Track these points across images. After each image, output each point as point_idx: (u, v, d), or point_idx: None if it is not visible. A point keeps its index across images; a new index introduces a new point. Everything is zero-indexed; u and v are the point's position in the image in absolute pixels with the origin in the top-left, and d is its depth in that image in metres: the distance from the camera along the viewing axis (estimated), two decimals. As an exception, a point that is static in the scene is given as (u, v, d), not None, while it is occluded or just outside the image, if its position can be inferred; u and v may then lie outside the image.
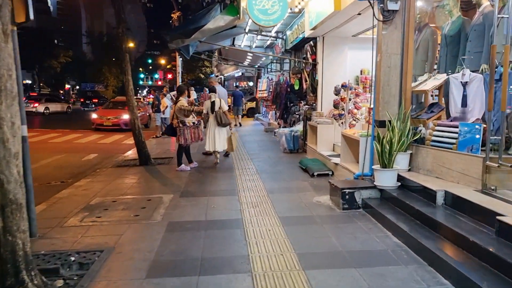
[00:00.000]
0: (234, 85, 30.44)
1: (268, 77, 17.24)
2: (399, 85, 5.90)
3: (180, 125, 8.35)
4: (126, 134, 16.16)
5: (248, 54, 18.39)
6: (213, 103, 8.84)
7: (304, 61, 10.18)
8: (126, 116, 16.03)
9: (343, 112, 7.20)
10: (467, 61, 5.44)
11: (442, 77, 5.61)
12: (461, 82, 5.38)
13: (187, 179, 7.82)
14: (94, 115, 19.32)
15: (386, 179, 5.41)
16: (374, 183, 5.55)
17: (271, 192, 6.68)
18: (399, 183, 5.43)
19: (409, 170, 5.68)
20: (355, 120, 7.19)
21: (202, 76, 62.27)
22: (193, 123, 8.52)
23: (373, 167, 5.61)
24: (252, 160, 9.80)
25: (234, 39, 16.40)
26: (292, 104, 12.98)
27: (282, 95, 13.73)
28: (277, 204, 5.95)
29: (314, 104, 10.26)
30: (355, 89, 7.31)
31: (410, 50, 5.83)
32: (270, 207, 5.78)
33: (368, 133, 6.24)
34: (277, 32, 14.14)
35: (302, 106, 11.10)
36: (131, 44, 44.64)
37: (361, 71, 9.88)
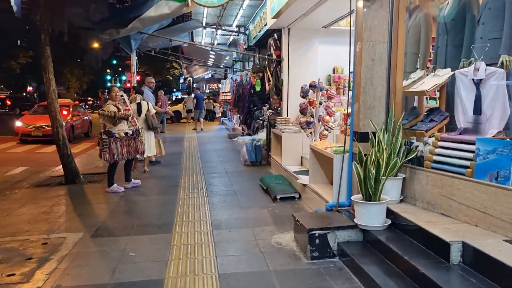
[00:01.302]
0: (196, 88, 28.80)
1: (232, 78, 15.57)
2: (386, 84, 4.35)
3: (104, 136, 6.54)
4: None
5: (210, 52, 16.69)
6: (139, 105, 8.09)
7: (266, 57, 8.58)
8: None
9: (312, 119, 5.64)
10: (479, 50, 3.94)
11: (445, 73, 4.09)
12: (472, 79, 3.87)
13: (113, 206, 6.07)
14: (18, 123, 14.77)
15: (371, 216, 3.84)
16: (355, 220, 3.97)
17: (217, 227, 5.01)
18: (389, 221, 3.87)
19: (402, 200, 4.14)
20: (327, 130, 5.64)
21: (171, 78, 60.12)
22: (126, 133, 6.68)
23: (353, 198, 4.03)
24: (205, 176, 8.11)
25: (192, 34, 14.68)
26: (255, 108, 11.37)
27: (245, 97, 12.11)
28: (222, 249, 4.29)
29: (279, 108, 8.68)
30: (326, 90, 5.76)
31: (401, 37, 4.29)
32: (210, 256, 4.11)
33: (345, 148, 4.67)
34: (238, 26, 12.53)
35: (266, 110, 9.51)
36: (95, 45, 42.24)
37: (334, 69, 8.38)
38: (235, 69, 16.29)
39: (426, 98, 4.89)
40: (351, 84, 4.61)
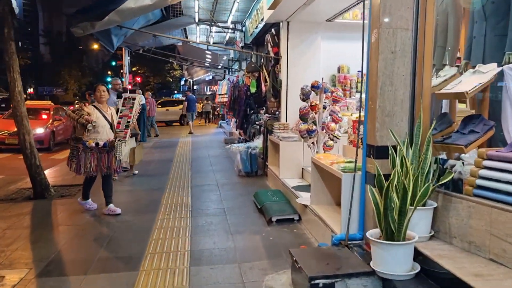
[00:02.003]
0: (189, 90, 27.85)
1: (229, 79, 14.60)
2: (411, 84, 3.37)
3: (72, 143, 5.54)
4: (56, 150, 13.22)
5: (206, 52, 15.74)
6: (117, 111, 7.21)
7: (263, 54, 7.61)
8: (40, 130, 12.38)
9: (314, 127, 4.65)
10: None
11: (490, 70, 3.11)
12: (529, 77, 2.90)
13: (78, 229, 5.10)
14: None
15: (394, 261, 2.86)
16: (372, 265, 3.00)
17: (197, 261, 4.03)
18: (417, 267, 2.89)
19: (432, 236, 3.15)
20: (332, 140, 4.66)
21: (171, 80, 59.32)
22: (96, 143, 5.41)
23: (368, 234, 3.05)
24: (193, 189, 7.14)
25: (186, 32, 13.72)
26: (252, 112, 10.40)
27: (241, 100, 11.14)
28: (197, 298, 3.32)
29: (277, 113, 7.71)
30: (332, 92, 4.77)
31: (429, 22, 3.32)
32: (181, 309, 3.14)
33: (356, 165, 3.69)
34: (234, 22, 11.57)
35: (263, 114, 8.55)
36: (95, 46, 41.45)
37: (339, 69, 7.40)
38: (232, 70, 15.31)
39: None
40: (364, 84, 3.63)
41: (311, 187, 4.74)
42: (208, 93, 35.92)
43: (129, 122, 5.36)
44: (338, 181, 4.31)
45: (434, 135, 3.34)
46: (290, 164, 6.56)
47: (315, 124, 4.81)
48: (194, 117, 18.07)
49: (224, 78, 17.63)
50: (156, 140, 15.74)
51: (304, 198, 5.10)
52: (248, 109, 10.70)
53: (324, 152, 4.75)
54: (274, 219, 5.09)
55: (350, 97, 7.00)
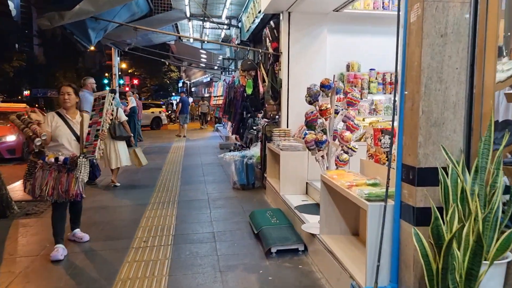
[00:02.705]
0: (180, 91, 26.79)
1: (224, 80, 13.61)
2: (468, 79, 2.40)
3: (32, 157, 4.47)
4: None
5: (201, 51, 14.76)
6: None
7: (260, 50, 6.62)
8: (11, 138, 10.55)
9: (324, 137, 3.65)
10: None
11: None
12: None
13: (27, 264, 4.09)
14: None
15: None
16: None
17: (172, 317, 3.05)
18: None
19: (504, 299, 2.17)
20: (347, 153, 3.67)
21: (168, 81, 58.46)
22: (56, 158, 4.14)
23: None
24: (179, 206, 6.16)
25: (178, 30, 12.74)
26: (249, 115, 9.42)
27: (237, 102, 10.15)
28: None
29: (277, 117, 6.72)
30: (346, 93, 3.77)
31: (495, -7, 2.34)
32: None
33: (383, 190, 2.71)
34: (229, 18, 10.58)
35: (260, 118, 7.57)
36: (91, 48, 40.45)
37: (348, 66, 6.43)
38: (229, 70, 14.29)
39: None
40: (397, 81, 2.65)
41: (320, 213, 3.75)
42: (206, 95, 34.91)
43: (99, 130, 4.27)
44: (356, 207, 3.36)
45: (496, 150, 2.36)
46: (292, 178, 5.57)
47: (325, 133, 3.84)
48: (188, 120, 17.19)
49: (220, 79, 16.66)
50: (148, 145, 14.75)
51: (311, 224, 4.11)
52: (245, 112, 9.73)
53: (337, 168, 3.77)
54: (274, 249, 4.11)
55: (361, 99, 6.01)
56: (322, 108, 3.69)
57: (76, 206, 4.62)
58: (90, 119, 4.25)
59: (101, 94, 4.24)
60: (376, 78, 6.27)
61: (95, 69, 58.90)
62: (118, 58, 15.82)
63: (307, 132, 5.69)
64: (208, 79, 34.87)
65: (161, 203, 6.34)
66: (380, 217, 2.63)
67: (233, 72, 13.63)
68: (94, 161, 4.31)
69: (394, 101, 2.56)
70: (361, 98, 6.07)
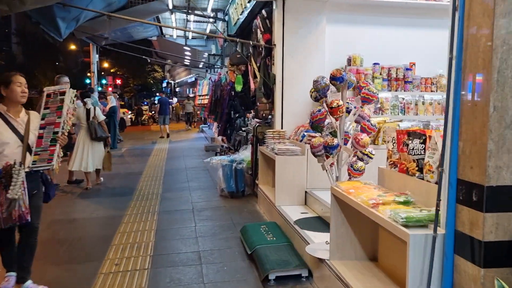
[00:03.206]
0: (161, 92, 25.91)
1: (210, 78, 12.85)
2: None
3: None
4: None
5: (185, 48, 13.97)
6: (88, 112, 7.06)
7: (251, 42, 5.90)
8: None
9: (335, 141, 2.95)
10: None
11: None
12: None
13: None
14: None
15: None
16: None
17: None
18: None
19: None
20: (362, 160, 2.99)
21: (152, 81, 57.37)
22: None
23: None
24: (160, 218, 5.41)
25: (158, 21, 11.92)
26: (237, 115, 8.70)
27: (224, 101, 9.43)
28: None
29: (270, 117, 6.02)
30: (360, 88, 3.06)
31: None
32: None
33: (432, 215, 2.03)
34: (215, 10, 9.83)
35: (250, 118, 6.86)
36: (73, 46, 39.20)
37: (349, 60, 5.76)
38: (215, 67, 13.48)
39: None
40: (450, 72, 1.97)
41: (331, 234, 3.06)
42: (191, 95, 33.97)
43: (57, 133, 3.44)
44: (374, 225, 2.70)
45: None
46: (289, 186, 4.88)
47: (335, 136, 3.15)
48: (168, 120, 16.66)
49: (205, 77, 15.83)
50: (128, 147, 13.91)
51: (317, 245, 3.41)
52: (232, 112, 9.01)
53: (350, 178, 3.10)
54: (272, 276, 3.41)
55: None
56: (333, 106, 3.00)
57: (26, 241, 3.36)
58: (43, 119, 3.40)
59: (58, 89, 3.40)
60: (380, 74, 5.62)
61: (77, 69, 57.37)
62: (97, 56, 14.95)
63: (305, 133, 5.02)
64: (193, 79, 34.00)
65: (139, 215, 5.58)
66: (425, 251, 1.94)
67: (219, 70, 12.89)
68: (48, 176, 3.48)
69: (448, 93, 1.88)
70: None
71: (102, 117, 7.33)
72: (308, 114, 5.83)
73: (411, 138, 2.77)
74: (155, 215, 5.56)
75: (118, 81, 60.10)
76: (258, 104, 5.78)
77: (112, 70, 59.12)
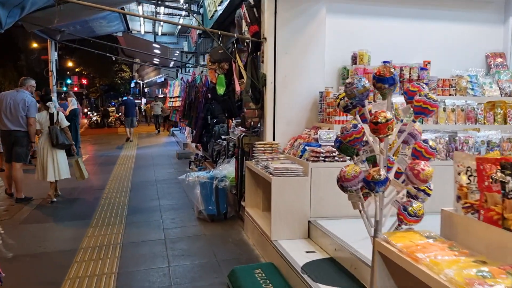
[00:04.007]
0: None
1: (182, 79, 11.70)
2: None
3: None
4: None
5: (154, 45, 12.77)
6: (51, 116, 6.43)
7: (236, 35, 4.85)
8: None
9: (382, 174, 1.97)
10: None
11: None
12: None
13: None
14: None
15: None
16: None
17: None
18: None
19: None
20: (416, 198, 2.01)
21: (119, 81, 55.34)
22: None
23: None
24: (122, 254, 4.30)
25: (126, 18, 10.71)
26: (215, 121, 7.64)
27: (199, 104, 8.34)
28: None
29: (258, 125, 4.98)
30: (411, 93, 2.09)
31: None
32: None
33: None
34: (188, 1, 8.71)
35: (233, 126, 5.82)
36: (35, 45, 36.93)
37: (354, 58, 4.82)
38: (186, 66, 12.29)
39: None
40: None
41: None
42: (160, 96, 32.39)
43: None
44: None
45: None
46: (289, 215, 3.86)
47: (371, 162, 2.17)
48: (135, 123, 15.98)
49: (177, 77, 14.60)
50: (92, 154, 12.60)
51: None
52: (209, 117, 7.94)
53: (400, 226, 2.11)
54: None
55: (375, 101, 4.43)
56: (379, 121, 2.01)
57: None
58: None
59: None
60: (391, 74, 4.70)
61: (39, 68, 54.69)
62: (56, 53, 13.53)
63: (307, 148, 4.03)
64: (162, 79, 32.62)
65: (97, 249, 4.44)
66: None
67: (192, 69, 11.75)
68: None
69: None
70: (374, 100, 4.50)
71: (65, 123, 6.61)
72: (306, 122, 4.88)
73: (503, 169, 1.81)
74: (117, 250, 4.43)
75: (84, 81, 57.73)
76: (245, 110, 4.75)
77: (77, 70, 56.71)
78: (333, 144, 4.02)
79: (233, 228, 5.10)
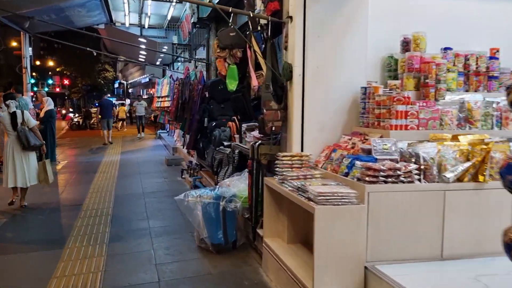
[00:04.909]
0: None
1: (171, 76, 10.48)
2: None
3: None
4: None
5: (139, 39, 11.53)
6: (13, 116, 5.81)
7: (250, 13, 3.70)
8: None
9: None
10: None
11: None
12: None
13: None
14: None
15: None
16: None
17: None
18: None
19: None
20: None
21: (102, 82, 53.70)
22: None
23: None
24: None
25: (109, 10, 9.50)
26: (214, 124, 6.49)
27: (194, 104, 7.19)
28: None
29: (279, 131, 3.85)
30: None
31: None
32: None
33: None
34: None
35: (247, 133, 4.68)
36: (14, 43, 35.16)
37: (405, 43, 3.73)
38: (179, 60, 11.03)
39: None
40: None
41: None
42: (145, 96, 30.90)
43: None
44: None
45: None
46: (338, 258, 2.75)
47: None
48: (111, 125, 15.11)
49: (165, 75, 13.33)
50: (70, 160, 11.29)
51: None
52: (206, 119, 6.79)
53: None
54: None
55: (437, 99, 3.36)
56: None
57: None
58: None
59: None
60: (454, 64, 3.64)
61: (18, 66, 52.66)
62: (30, 49, 12.21)
63: (357, 162, 2.93)
64: (147, 79, 31.29)
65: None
66: None
67: (182, 66, 10.53)
68: None
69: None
70: (436, 99, 3.43)
71: (33, 122, 6.12)
72: (343, 127, 3.78)
73: None
74: (95, 299, 3.27)
75: (66, 81, 55.78)
76: (264, 110, 3.62)
77: (58, 69, 54.78)
78: (392, 157, 2.93)
79: (246, 263, 3.96)
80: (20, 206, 6.00)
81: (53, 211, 6.04)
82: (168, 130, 15.48)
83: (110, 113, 14.97)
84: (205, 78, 7.71)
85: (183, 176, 8.13)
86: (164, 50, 11.80)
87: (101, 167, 9.97)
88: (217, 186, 4.35)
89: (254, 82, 3.67)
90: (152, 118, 18.88)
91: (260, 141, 3.97)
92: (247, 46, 3.79)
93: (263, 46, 3.75)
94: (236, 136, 5.71)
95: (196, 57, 9.34)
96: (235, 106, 3.84)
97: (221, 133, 5.97)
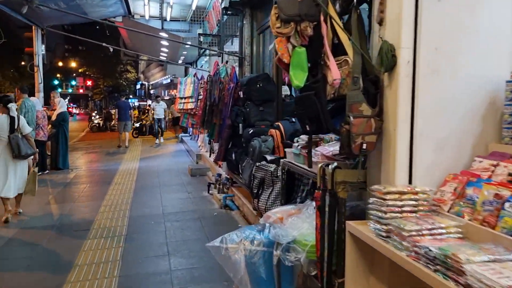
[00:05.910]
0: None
1: (195, 75, 9.24)
2: None
3: None
4: None
5: (161, 34, 10.35)
6: (12, 120, 5.48)
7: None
8: None
9: None
10: None
11: None
12: None
13: None
14: None
15: None
16: None
17: None
18: None
19: None
20: None
21: (124, 83, 53.40)
22: None
23: None
24: None
25: (127, 2, 8.34)
26: (251, 131, 5.21)
27: (225, 107, 5.93)
28: None
29: (372, 150, 2.53)
30: None
31: None
32: None
33: None
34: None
35: (300, 142, 3.36)
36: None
37: None
38: (206, 54, 9.74)
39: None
40: None
41: None
42: (167, 97, 29.93)
43: None
44: None
45: None
46: None
47: None
48: (129, 128, 14.52)
49: (188, 74, 12.05)
50: (85, 168, 10.21)
51: None
52: (240, 124, 5.52)
53: None
54: None
55: None
56: None
57: None
58: None
59: None
60: None
61: (44, 69, 52.63)
62: (43, 46, 11.21)
63: None
64: (168, 80, 30.42)
65: None
66: None
67: (206, 63, 9.27)
68: None
69: None
70: None
71: (28, 129, 5.76)
72: (474, 143, 2.42)
73: None
74: None
75: (89, 82, 55.56)
76: (350, 118, 2.29)
77: (80, 70, 54.64)
78: None
79: None
80: (15, 213, 5.75)
81: (55, 237, 4.89)
82: (191, 134, 14.30)
83: (127, 115, 14.29)
84: (237, 75, 6.45)
85: (210, 192, 6.88)
86: (186, 47, 10.53)
87: (117, 177, 8.82)
88: (266, 225, 3.04)
89: (335, 74, 2.35)
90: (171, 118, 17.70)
91: (335, 163, 2.64)
92: (322, 19, 2.48)
93: (351, 15, 2.43)
94: (281, 147, 4.43)
95: (227, 50, 8.07)
96: (302, 111, 2.52)
97: (261, 144, 4.67)
